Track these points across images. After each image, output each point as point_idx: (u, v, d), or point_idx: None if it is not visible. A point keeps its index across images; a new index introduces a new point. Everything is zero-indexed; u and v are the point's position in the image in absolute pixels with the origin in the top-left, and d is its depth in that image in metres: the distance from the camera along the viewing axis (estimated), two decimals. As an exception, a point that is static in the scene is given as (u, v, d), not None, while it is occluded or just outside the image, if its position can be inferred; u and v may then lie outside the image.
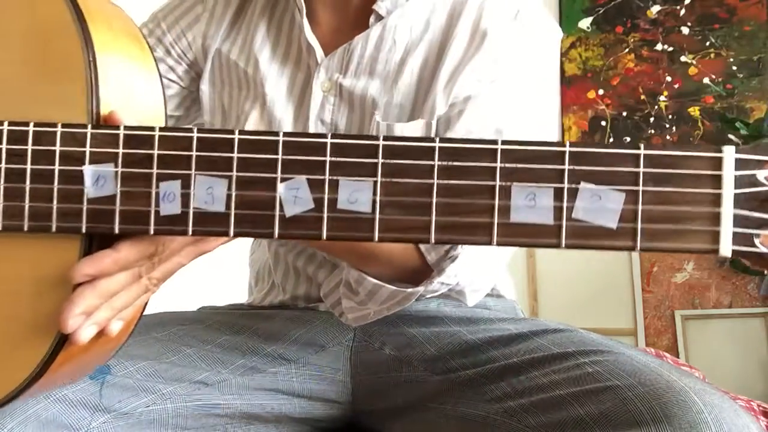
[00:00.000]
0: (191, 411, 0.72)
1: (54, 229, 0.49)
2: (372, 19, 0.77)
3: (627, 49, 2.70)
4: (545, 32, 0.78)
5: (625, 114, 2.68)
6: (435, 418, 0.72)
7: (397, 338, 0.78)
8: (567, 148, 0.44)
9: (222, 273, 1.45)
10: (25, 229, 0.49)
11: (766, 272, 0.45)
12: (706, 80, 2.61)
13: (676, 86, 2.63)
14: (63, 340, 0.49)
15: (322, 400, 0.79)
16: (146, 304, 0.56)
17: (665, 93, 2.65)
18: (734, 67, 2.58)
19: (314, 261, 0.81)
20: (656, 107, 2.65)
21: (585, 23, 2.75)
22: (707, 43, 2.62)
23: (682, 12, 2.65)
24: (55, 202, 0.49)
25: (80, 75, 0.51)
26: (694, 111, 2.61)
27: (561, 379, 0.61)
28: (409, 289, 0.67)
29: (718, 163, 0.42)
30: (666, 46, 2.66)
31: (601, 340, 0.67)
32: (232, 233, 0.47)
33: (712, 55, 2.61)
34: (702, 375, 1.22)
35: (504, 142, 0.45)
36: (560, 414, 0.58)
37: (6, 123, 0.50)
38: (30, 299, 0.50)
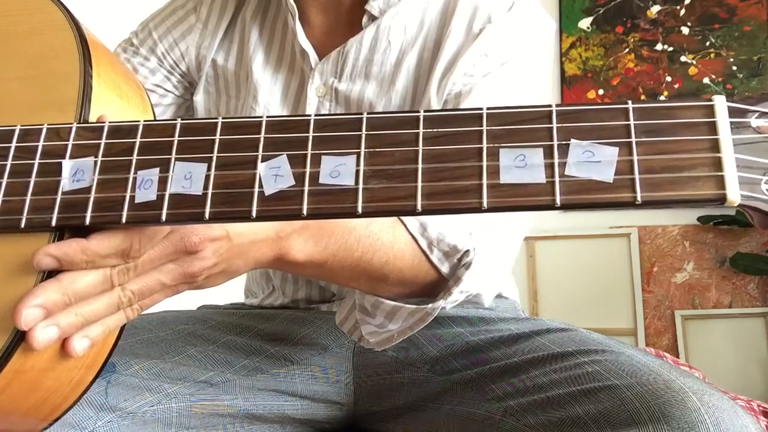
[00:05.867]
0: (195, 410, 0.71)
1: (23, 224, 0.47)
2: (365, 19, 0.76)
3: (627, 49, 2.70)
4: (539, 24, 0.78)
5: (625, 114, 2.68)
6: (436, 417, 0.72)
7: None
8: (553, 108, 0.43)
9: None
10: None
11: None
12: (706, 80, 2.61)
13: (676, 86, 2.64)
14: (19, 339, 0.45)
15: (325, 401, 0.78)
16: (120, 333, 0.51)
17: (665, 93, 2.65)
18: (734, 67, 2.58)
19: None
20: (656, 107, 2.65)
21: (585, 23, 2.75)
22: (707, 43, 2.62)
23: (682, 12, 2.65)
24: (29, 195, 0.47)
25: (75, 88, 0.52)
26: (694, 111, 2.61)
27: (561, 378, 0.61)
28: (430, 305, 0.64)
29: (710, 111, 0.41)
30: (666, 46, 2.66)
31: (602, 339, 0.67)
32: (207, 215, 0.44)
33: (712, 55, 2.61)
34: (702, 375, 1.23)
35: (489, 108, 0.44)
36: (559, 413, 0.58)
37: None
38: None
